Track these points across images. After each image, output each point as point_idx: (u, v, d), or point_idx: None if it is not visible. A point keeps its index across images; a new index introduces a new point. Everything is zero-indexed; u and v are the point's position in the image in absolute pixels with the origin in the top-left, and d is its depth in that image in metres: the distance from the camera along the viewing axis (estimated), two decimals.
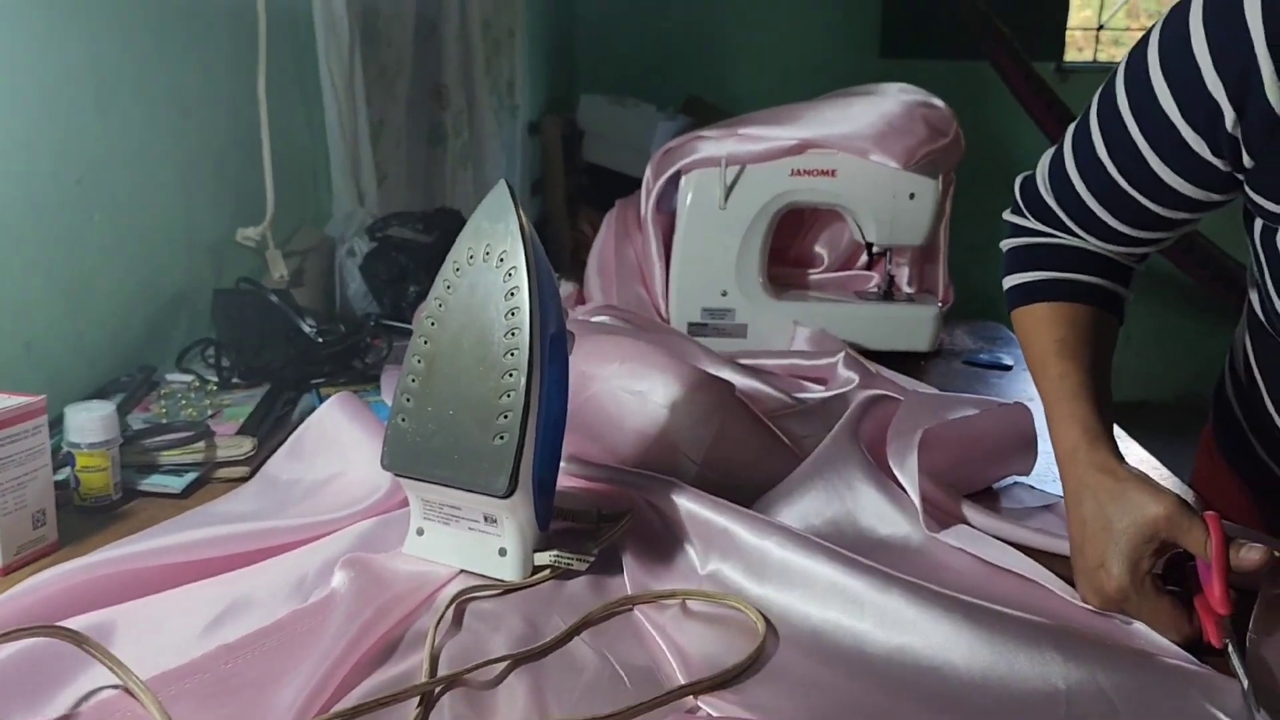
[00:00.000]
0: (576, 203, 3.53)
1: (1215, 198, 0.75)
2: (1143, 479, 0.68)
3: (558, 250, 3.38)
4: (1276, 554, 0.62)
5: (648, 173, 1.39)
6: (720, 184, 1.31)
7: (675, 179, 1.36)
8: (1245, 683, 0.60)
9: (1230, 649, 0.62)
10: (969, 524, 0.81)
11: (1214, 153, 0.70)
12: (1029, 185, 0.89)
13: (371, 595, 0.67)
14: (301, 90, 1.59)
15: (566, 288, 1.45)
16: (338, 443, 0.88)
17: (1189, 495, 0.93)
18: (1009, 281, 0.88)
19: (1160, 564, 0.68)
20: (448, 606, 0.68)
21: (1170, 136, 0.72)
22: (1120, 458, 0.71)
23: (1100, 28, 4.10)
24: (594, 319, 1.21)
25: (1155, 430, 1.62)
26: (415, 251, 1.47)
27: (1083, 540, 0.70)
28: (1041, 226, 0.87)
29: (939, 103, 1.33)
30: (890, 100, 1.32)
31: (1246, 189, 0.71)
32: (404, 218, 1.55)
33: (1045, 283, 0.85)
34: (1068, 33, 4.00)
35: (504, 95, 2.78)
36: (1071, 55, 4.04)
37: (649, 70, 3.99)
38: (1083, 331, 0.81)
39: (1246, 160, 0.69)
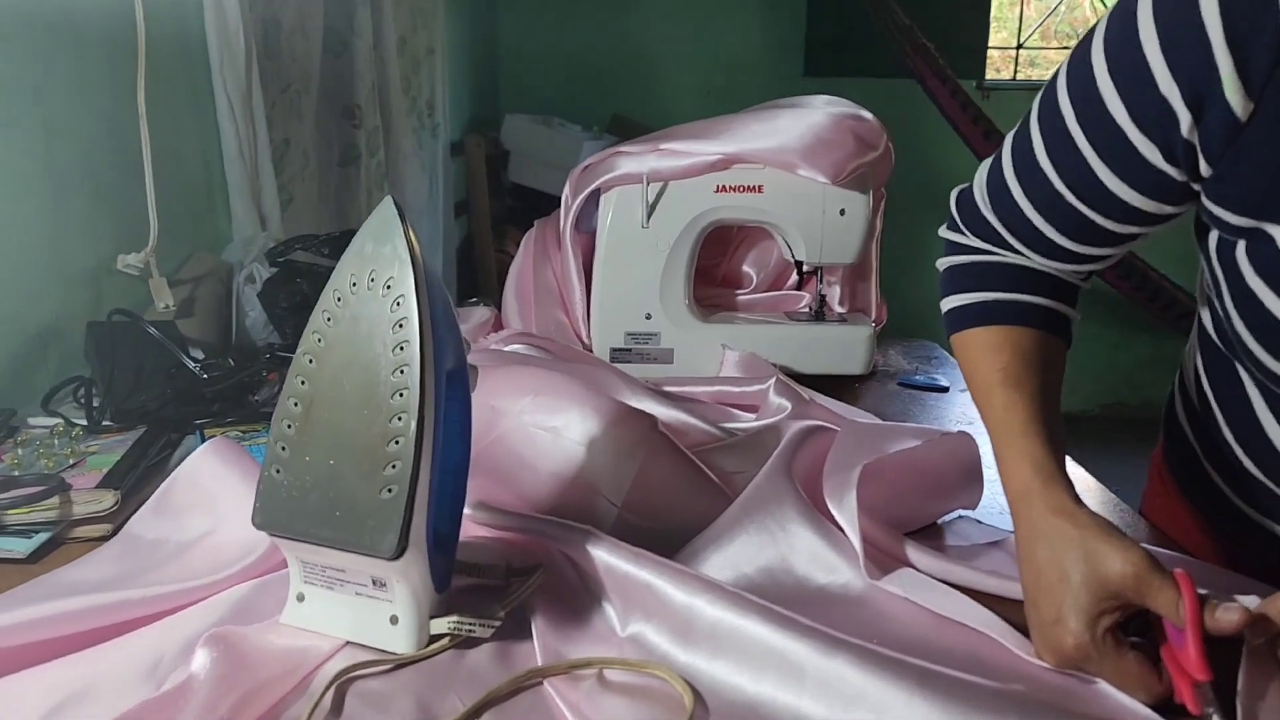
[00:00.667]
0: (502, 224, 3.44)
1: (1168, 210, 0.69)
2: (1104, 526, 0.61)
3: (483, 274, 3.29)
4: (1253, 610, 0.55)
5: (566, 190, 1.31)
6: (642, 202, 1.24)
7: (595, 197, 1.29)
8: None
9: (1214, 717, 0.55)
10: (914, 567, 0.75)
11: (1168, 160, 0.65)
12: (965, 199, 0.82)
13: (236, 680, 0.58)
14: (195, 108, 1.48)
15: (484, 313, 1.37)
16: (211, 495, 0.78)
17: (1137, 523, 0.88)
18: (947, 304, 0.81)
19: (1118, 618, 0.60)
20: (326, 689, 0.59)
21: (1120, 144, 0.66)
22: (1077, 499, 0.64)
23: (1019, 47, 4.15)
24: (506, 348, 1.13)
25: (1081, 440, 1.59)
26: (320, 277, 1.36)
27: (1037, 592, 0.62)
28: (980, 243, 0.80)
29: (868, 115, 1.27)
30: (818, 113, 1.26)
31: (1204, 200, 0.65)
32: (308, 241, 1.44)
33: (986, 305, 0.78)
34: (988, 53, 4.04)
35: (424, 115, 2.69)
36: (991, 75, 4.08)
37: (575, 90, 3.94)
38: (1028, 357, 0.74)
39: (1204, 168, 0.64)
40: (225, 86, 1.47)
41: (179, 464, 0.85)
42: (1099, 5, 4.14)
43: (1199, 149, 0.63)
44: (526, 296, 1.35)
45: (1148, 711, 0.57)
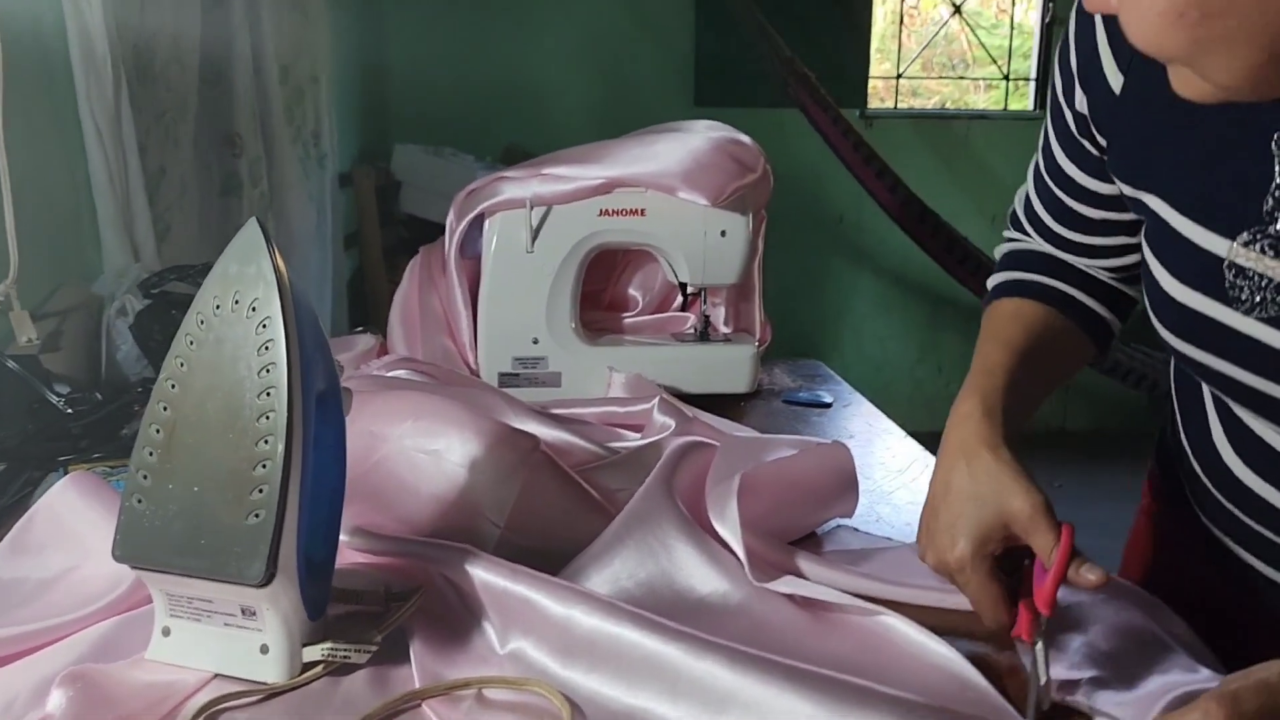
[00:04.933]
0: (395, 254, 3.40)
1: (1104, 188, 0.74)
2: (1019, 467, 0.66)
3: (374, 305, 3.24)
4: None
5: (450, 216, 1.31)
6: (526, 226, 1.24)
7: (479, 222, 1.28)
8: (1044, 678, 0.60)
9: (1038, 647, 0.62)
10: (800, 574, 0.76)
11: (1081, 133, 0.71)
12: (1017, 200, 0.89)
13: (95, 718, 0.55)
14: (61, 135, 1.43)
15: (369, 340, 1.35)
16: (72, 531, 0.75)
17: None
18: (989, 281, 0.86)
19: (1000, 548, 0.66)
20: None
21: (1057, 119, 0.74)
22: (1008, 440, 0.68)
23: (899, 77, 4.30)
24: (388, 373, 1.11)
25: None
26: None
27: (940, 502, 0.68)
28: (1018, 235, 0.87)
29: (746, 139, 1.31)
30: (697, 138, 1.29)
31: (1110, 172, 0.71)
32: (183, 271, 1.40)
33: (1013, 281, 0.83)
34: (870, 82, 4.18)
35: (309, 144, 2.64)
36: (874, 103, 4.22)
37: (467, 119, 3.92)
38: (1031, 327, 0.78)
39: (1101, 141, 0.70)
40: (92, 113, 1.42)
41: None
42: (972, 39, 4.32)
43: (1089, 120, 0.69)
44: (412, 323, 1.34)
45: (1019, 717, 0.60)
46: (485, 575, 0.67)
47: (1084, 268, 0.82)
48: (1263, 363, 0.63)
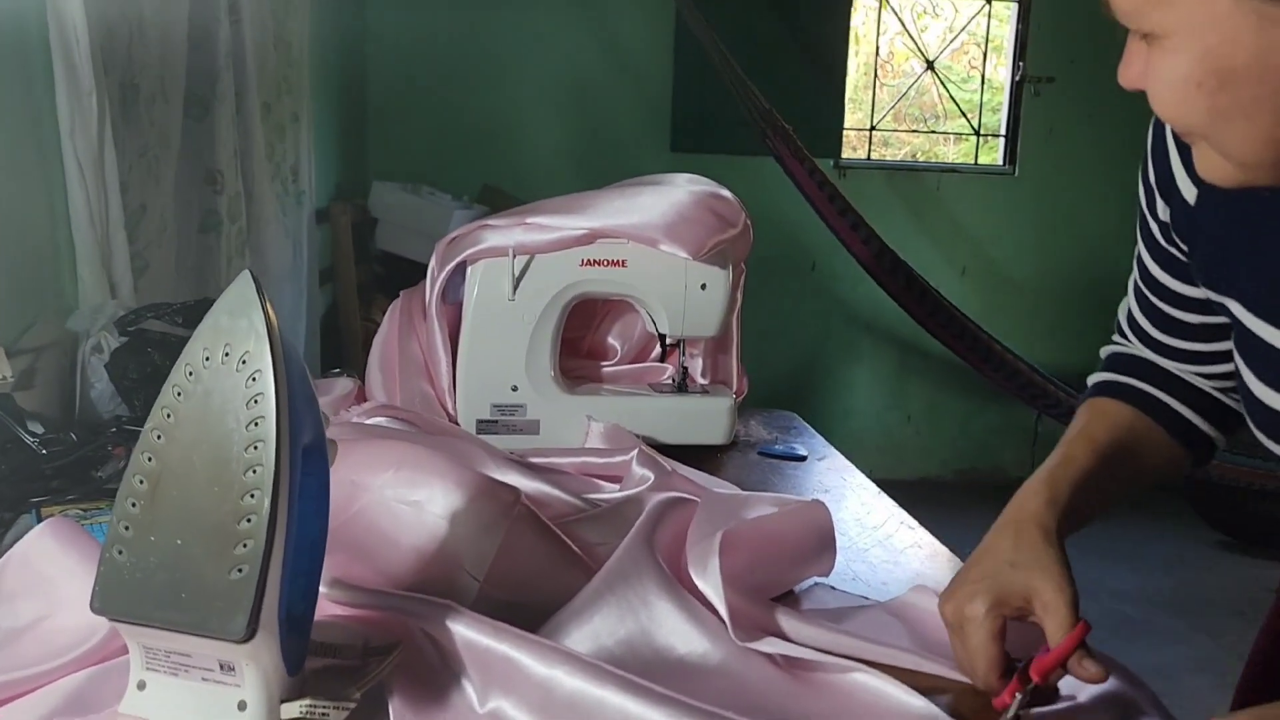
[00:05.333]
0: (370, 291, 3.40)
1: (1192, 291, 0.77)
2: (1062, 557, 0.70)
3: (348, 342, 3.23)
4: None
5: (432, 262, 1.31)
6: (509, 274, 1.25)
7: (462, 269, 1.29)
8: None
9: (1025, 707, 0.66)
10: (782, 632, 0.76)
11: (1166, 240, 0.75)
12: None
13: None
14: (43, 170, 1.43)
15: (347, 384, 1.35)
16: (46, 579, 0.74)
17: None
18: (1089, 379, 0.88)
19: (1014, 615, 0.70)
20: None
21: (1145, 228, 0.77)
22: (1061, 530, 0.72)
23: (872, 129, 4.38)
24: (369, 421, 1.11)
25: (937, 504, 1.65)
26: (173, 347, 1.32)
27: (977, 560, 0.73)
28: (1124, 341, 0.88)
29: (727, 194, 1.33)
30: (679, 191, 1.31)
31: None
32: (161, 309, 1.40)
33: (1110, 383, 0.85)
34: (844, 133, 4.26)
35: (288, 181, 2.65)
36: (847, 153, 4.29)
37: (444, 158, 3.94)
38: (1116, 428, 0.80)
39: (1183, 247, 0.74)
40: (75, 150, 1.42)
41: (11, 545, 0.81)
42: (944, 91, 4.41)
43: (1170, 228, 0.73)
44: (391, 368, 1.34)
45: None
46: (467, 632, 0.67)
47: (1184, 375, 0.83)
48: None
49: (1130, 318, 0.85)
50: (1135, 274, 0.82)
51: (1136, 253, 0.81)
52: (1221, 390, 0.83)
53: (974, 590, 0.70)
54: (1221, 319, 0.75)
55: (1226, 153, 0.57)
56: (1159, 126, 0.73)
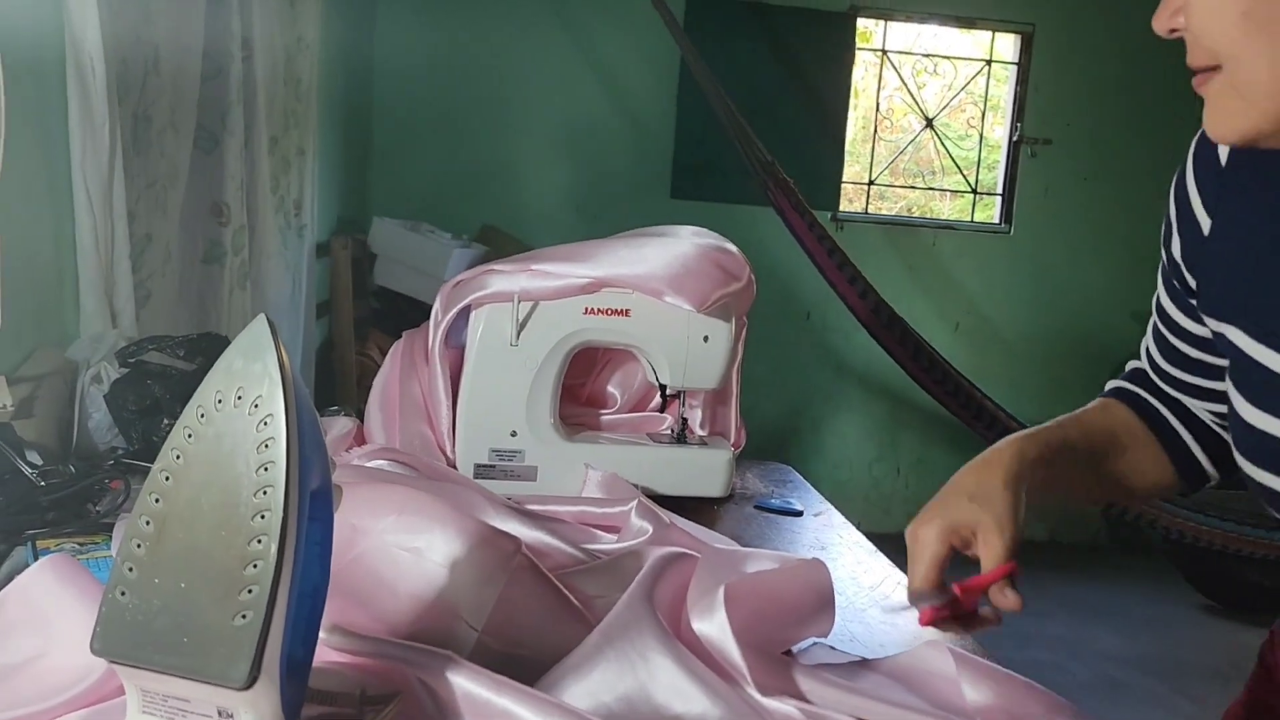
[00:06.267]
0: (366, 326, 3.40)
1: (1202, 330, 0.81)
2: (1016, 503, 0.77)
3: (342, 376, 3.23)
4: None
5: (436, 305, 1.32)
6: (512, 320, 1.26)
7: (465, 313, 1.30)
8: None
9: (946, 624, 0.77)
10: (798, 687, 0.76)
11: (1175, 275, 0.80)
12: None
13: None
14: (52, 199, 1.43)
15: (346, 423, 1.34)
16: (43, 615, 0.73)
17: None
18: (1107, 384, 0.95)
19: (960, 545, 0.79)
20: None
21: (1162, 264, 0.83)
22: (1021, 482, 0.78)
23: (870, 183, 4.43)
24: (369, 463, 1.11)
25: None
26: (173, 380, 1.32)
27: (945, 491, 0.81)
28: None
29: (732, 248, 1.34)
30: (685, 243, 1.32)
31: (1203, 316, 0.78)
32: (163, 341, 1.40)
33: (1122, 389, 0.92)
34: (842, 186, 4.30)
35: (290, 214, 2.66)
36: (845, 206, 4.34)
37: (445, 197, 3.97)
38: (1113, 424, 0.88)
39: (1191, 280, 0.78)
40: (85, 179, 1.43)
41: (6, 578, 0.80)
42: (941, 147, 4.47)
43: (1181, 264, 0.79)
44: (391, 409, 1.34)
45: None
46: (467, 684, 0.67)
47: (1190, 406, 0.88)
48: None
49: (1147, 350, 0.90)
50: (1153, 309, 0.88)
51: (1156, 291, 0.87)
52: (1223, 428, 0.87)
53: (930, 516, 0.79)
54: (1222, 360, 0.79)
55: (1244, 84, 0.61)
56: (1181, 168, 0.78)
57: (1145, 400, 0.90)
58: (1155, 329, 0.88)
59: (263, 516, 0.61)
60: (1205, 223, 0.76)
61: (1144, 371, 0.92)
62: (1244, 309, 0.73)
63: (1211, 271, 0.76)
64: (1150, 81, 3.94)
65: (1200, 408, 0.88)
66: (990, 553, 0.76)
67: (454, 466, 1.28)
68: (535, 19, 3.99)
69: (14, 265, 1.24)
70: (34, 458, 1.06)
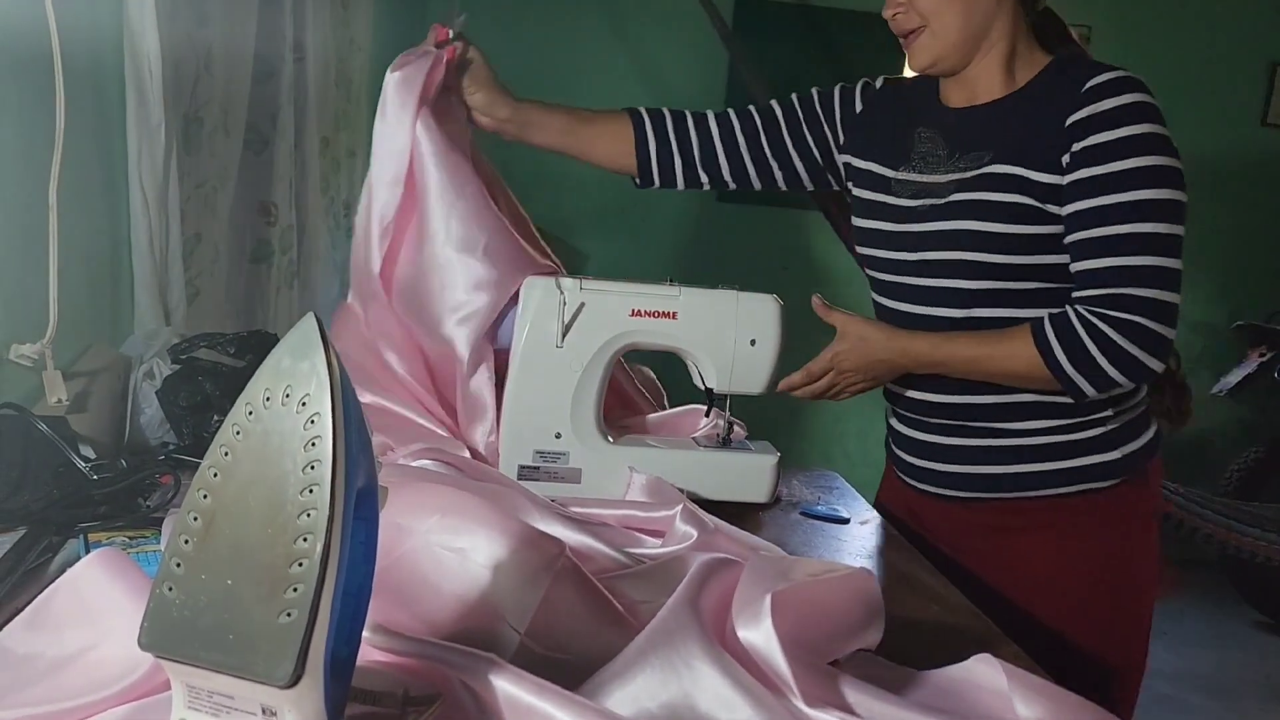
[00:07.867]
0: None
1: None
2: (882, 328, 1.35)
3: None
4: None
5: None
6: (558, 321, 1.25)
7: (504, 314, 1.30)
8: None
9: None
10: (846, 702, 0.74)
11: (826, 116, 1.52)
12: None
13: None
14: (109, 200, 1.46)
15: None
16: (93, 609, 0.74)
17: None
18: None
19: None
20: None
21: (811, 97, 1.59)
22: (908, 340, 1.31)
23: None
24: (414, 463, 1.11)
25: None
26: (223, 377, 1.34)
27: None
28: None
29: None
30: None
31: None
32: (213, 339, 1.42)
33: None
34: None
35: (339, 215, 2.69)
36: None
37: None
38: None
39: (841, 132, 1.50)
40: (141, 181, 1.45)
41: (59, 569, 0.81)
42: None
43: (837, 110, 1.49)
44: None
45: None
46: (510, 688, 0.66)
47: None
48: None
49: None
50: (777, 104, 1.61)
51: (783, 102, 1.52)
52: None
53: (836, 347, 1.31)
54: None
55: (939, 33, 1.24)
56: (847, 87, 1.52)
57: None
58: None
59: (308, 515, 0.60)
60: (860, 106, 1.46)
61: None
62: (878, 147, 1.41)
63: (872, 128, 1.44)
64: (1205, 82, 3.86)
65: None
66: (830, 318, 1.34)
67: (497, 468, 1.27)
68: (583, 21, 3.99)
69: (71, 263, 1.26)
70: (87, 452, 1.07)
